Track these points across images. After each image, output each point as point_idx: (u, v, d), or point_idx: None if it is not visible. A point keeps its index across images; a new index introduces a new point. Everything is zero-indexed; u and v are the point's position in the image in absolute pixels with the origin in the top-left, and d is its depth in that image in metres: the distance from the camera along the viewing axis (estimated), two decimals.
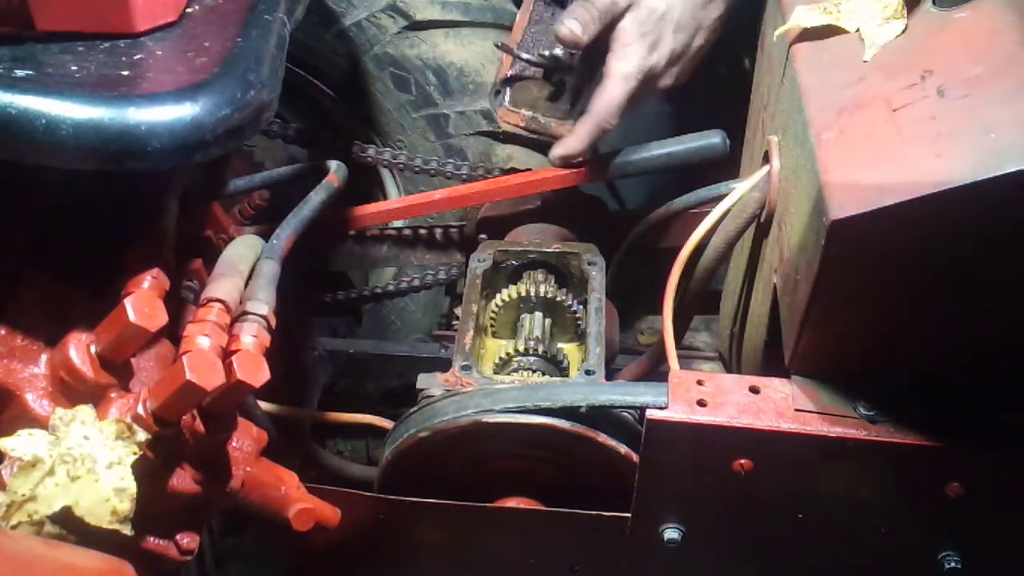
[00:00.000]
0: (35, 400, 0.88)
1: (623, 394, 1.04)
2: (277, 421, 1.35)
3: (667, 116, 1.79)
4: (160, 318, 0.86)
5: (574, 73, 1.35)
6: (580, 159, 1.33)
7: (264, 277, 1.02)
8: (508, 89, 1.38)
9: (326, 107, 1.83)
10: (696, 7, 1.25)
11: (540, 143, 1.66)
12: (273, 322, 0.98)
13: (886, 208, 0.83)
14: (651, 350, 1.35)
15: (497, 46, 1.37)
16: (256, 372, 0.90)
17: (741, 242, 1.24)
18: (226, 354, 0.91)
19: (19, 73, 0.81)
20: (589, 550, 1.13)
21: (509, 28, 1.47)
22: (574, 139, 1.29)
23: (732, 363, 1.43)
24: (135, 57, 0.85)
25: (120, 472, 0.84)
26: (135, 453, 0.85)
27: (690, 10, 1.25)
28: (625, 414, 1.10)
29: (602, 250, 1.36)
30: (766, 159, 1.14)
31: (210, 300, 0.95)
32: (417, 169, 1.59)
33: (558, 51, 1.34)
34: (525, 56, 1.35)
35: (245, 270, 1.02)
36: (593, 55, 1.29)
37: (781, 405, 0.98)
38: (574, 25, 1.21)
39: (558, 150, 1.32)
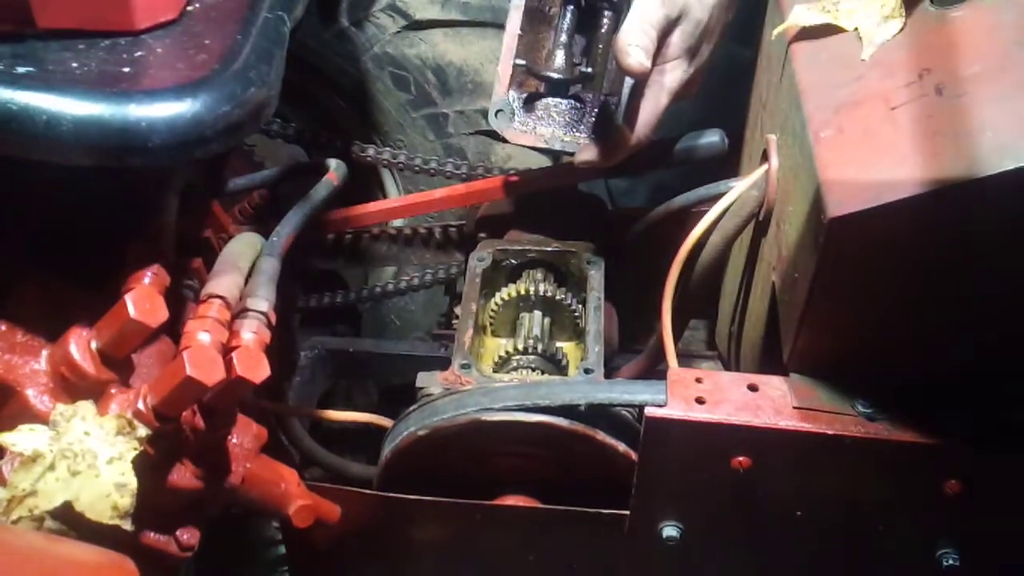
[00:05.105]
0: (36, 396, 0.88)
1: (622, 392, 1.04)
2: (278, 419, 1.35)
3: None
4: (160, 314, 0.86)
5: (590, 87, 1.27)
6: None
7: (264, 274, 1.02)
8: (514, 109, 1.27)
9: (326, 106, 1.84)
10: (720, 11, 1.21)
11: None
12: (273, 319, 0.98)
13: (884, 206, 0.84)
14: (650, 349, 1.35)
15: (519, 66, 1.25)
16: (256, 368, 0.91)
17: (739, 240, 1.25)
18: (226, 350, 0.92)
19: (20, 70, 0.81)
20: (588, 548, 1.13)
21: None
22: (610, 149, 1.21)
23: (731, 361, 1.43)
24: (136, 54, 0.86)
25: (120, 467, 0.84)
26: (136, 448, 0.85)
27: (719, 16, 1.21)
28: (624, 412, 1.10)
29: (601, 249, 1.36)
30: (765, 157, 1.15)
31: (210, 296, 0.95)
32: (417, 168, 1.59)
33: (556, 67, 1.26)
34: (551, 75, 1.25)
35: (245, 267, 1.02)
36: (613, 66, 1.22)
37: (779, 403, 0.98)
38: (643, 57, 1.10)
39: (586, 155, 1.22)
